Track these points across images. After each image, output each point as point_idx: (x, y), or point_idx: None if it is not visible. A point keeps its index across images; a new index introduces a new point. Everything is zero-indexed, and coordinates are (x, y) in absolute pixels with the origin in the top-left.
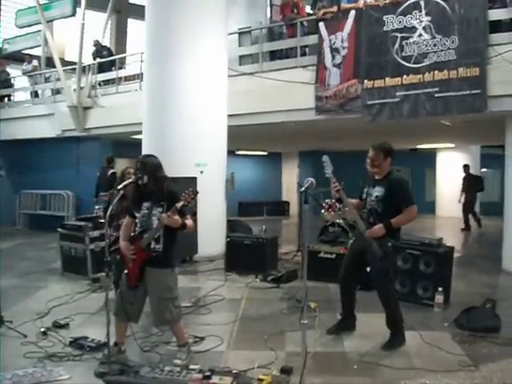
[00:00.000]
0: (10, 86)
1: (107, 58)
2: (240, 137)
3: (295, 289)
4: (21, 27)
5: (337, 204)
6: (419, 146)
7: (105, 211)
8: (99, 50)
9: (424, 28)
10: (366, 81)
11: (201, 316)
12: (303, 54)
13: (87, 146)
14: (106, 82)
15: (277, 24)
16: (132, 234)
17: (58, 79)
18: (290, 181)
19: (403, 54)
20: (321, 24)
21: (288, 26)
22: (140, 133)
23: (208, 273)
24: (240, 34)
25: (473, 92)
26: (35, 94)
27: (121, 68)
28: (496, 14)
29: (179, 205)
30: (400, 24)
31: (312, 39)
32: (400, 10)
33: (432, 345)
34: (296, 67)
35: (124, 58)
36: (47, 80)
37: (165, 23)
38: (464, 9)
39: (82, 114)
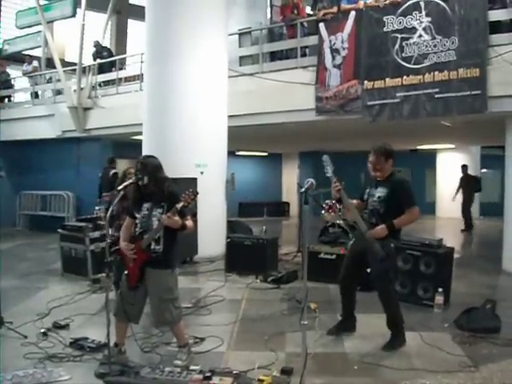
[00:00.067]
0: (11, 86)
1: (107, 59)
2: (240, 137)
3: (295, 289)
4: (21, 28)
5: (337, 205)
6: (419, 147)
7: (106, 212)
8: (99, 50)
9: (424, 29)
10: (366, 81)
11: (201, 317)
12: (303, 55)
13: (87, 147)
14: (107, 83)
15: (277, 25)
16: (132, 235)
17: (59, 80)
18: (290, 181)
19: (403, 54)
20: (321, 25)
21: (288, 26)
22: (140, 133)
23: (208, 273)
24: (240, 34)
25: (473, 93)
26: (35, 95)
27: (121, 69)
28: (496, 15)
29: (179, 206)
30: (400, 25)
31: (312, 40)
32: (400, 10)
33: (432, 345)
34: (296, 68)
35: (124, 58)
36: (49, 81)
37: (165, 24)
38: (464, 9)
39: (83, 115)
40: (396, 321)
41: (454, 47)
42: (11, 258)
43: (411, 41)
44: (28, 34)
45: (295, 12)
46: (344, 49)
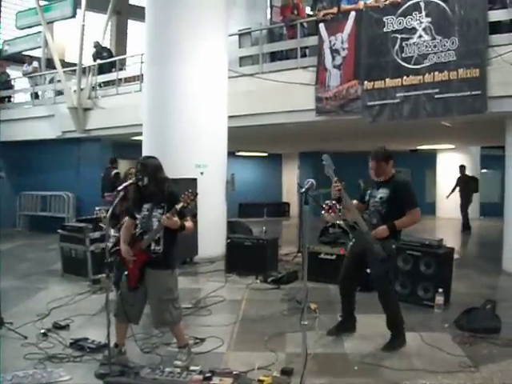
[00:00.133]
0: (11, 87)
1: (107, 60)
2: (240, 138)
3: (295, 290)
4: (21, 28)
5: (337, 205)
6: (419, 147)
7: (107, 212)
8: (99, 51)
9: (424, 29)
10: (366, 82)
11: (201, 317)
12: (303, 55)
13: (87, 148)
14: (106, 84)
15: (277, 25)
16: (132, 236)
17: (59, 81)
18: (291, 182)
19: (403, 55)
20: (321, 25)
21: (288, 27)
22: (140, 134)
23: (208, 274)
24: (240, 35)
25: (473, 93)
26: (35, 96)
27: (121, 69)
28: (496, 15)
29: (179, 206)
30: (400, 25)
31: (312, 40)
32: (400, 11)
33: (432, 346)
34: (296, 68)
35: (124, 59)
36: (51, 81)
37: (165, 24)
38: (464, 10)
39: (83, 116)
40: (396, 321)
41: (453, 47)
42: (11, 259)
43: (411, 41)
44: (28, 35)
45: (295, 12)
46: (344, 49)
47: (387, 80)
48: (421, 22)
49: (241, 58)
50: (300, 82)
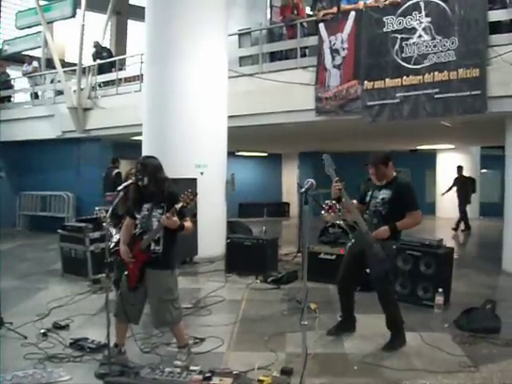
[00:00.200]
0: (11, 87)
1: (107, 60)
2: (240, 138)
3: (295, 290)
4: (21, 28)
5: (337, 205)
6: (419, 147)
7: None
8: (99, 51)
9: (424, 29)
10: (365, 82)
11: (201, 317)
12: (303, 55)
13: (87, 148)
14: (106, 84)
15: (277, 25)
16: (132, 235)
17: (59, 81)
18: (290, 182)
19: (403, 55)
20: (321, 25)
21: (288, 27)
22: (140, 134)
23: (208, 274)
24: (240, 35)
25: (473, 93)
26: (35, 96)
27: (121, 69)
28: (496, 15)
29: (178, 206)
30: (400, 25)
31: (312, 40)
32: (400, 11)
33: (432, 346)
34: (296, 68)
35: (124, 59)
36: (52, 81)
37: (165, 24)
38: (464, 10)
39: (82, 116)
40: (396, 322)
41: (453, 47)
42: (11, 259)
43: (411, 41)
44: (28, 35)
45: (295, 12)
46: (344, 49)
47: (387, 80)
48: (421, 22)
49: (241, 58)
50: (300, 82)
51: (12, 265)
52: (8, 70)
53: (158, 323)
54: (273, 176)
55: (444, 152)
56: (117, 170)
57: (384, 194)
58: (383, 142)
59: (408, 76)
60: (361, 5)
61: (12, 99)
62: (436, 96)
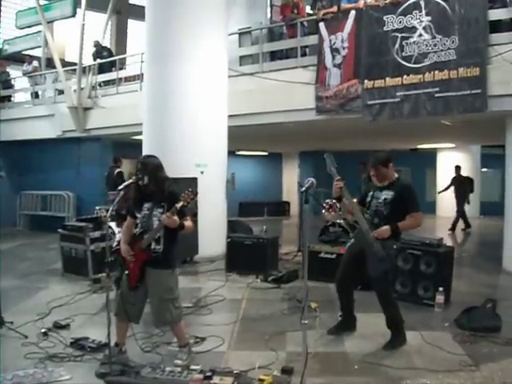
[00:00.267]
0: (11, 86)
1: (107, 59)
2: (240, 137)
3: (296, 289)
4: (21, 28)
5: (337, 204)
6: (419, 146)
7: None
8: (99, 50)
9: (424, 28)
10: (366, 81)
11: (201, 316)
12: (303, 55)
13: (88, 147)
14: (107, 83)
15: (277, 24)
16: (133, 235)
17: (59, 80)
18: (291, 181)
19: (403, 54)
20: (321, 24)
21: (288, 26)
22: (140, 133)
23: (209, 273)
24: (240, 34)
25: (473, 92)
26: (35, 95)
27: (121, 69)
28: (496, 14)
29: (179, 205)
30: (400, 24)
31: (312, 39)
32: (400, 10)
33: (433, 345)
34: (296, 67)
35: (124, 58)
36: (55, 81)
37: (165, 24)
38: (464, 9)
39: (83, 115)
40: (395, 321)
41: (454, 46)
42: (12, 258)
43: (411, 40)
44: (28, 34)
45: (295, 11)
46: (344, 48)
47: (387, 79)
48: (421, 21)
49: (241, 57)
50: (300, 81)
51: (12, 264)
52: (8, 70)
53: (158, 322)
54: (273, 175)
55: (444, 151)
56: (118, 170)
57: (386, 194)
58: (383, 141)
59: (408, 75)
60: (361, 4)
61: (12, 99)
62: (436, 95)
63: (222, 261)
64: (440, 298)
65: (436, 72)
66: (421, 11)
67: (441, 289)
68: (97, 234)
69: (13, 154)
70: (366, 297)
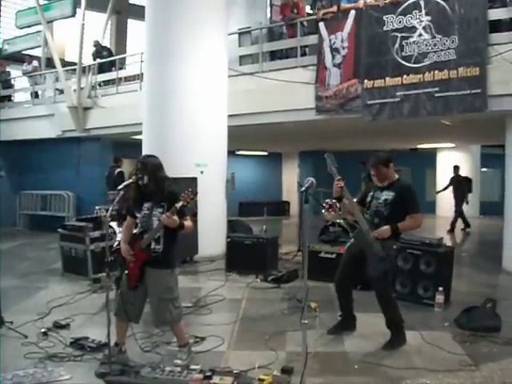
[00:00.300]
0: (11, 86)
1: (107, 59)
2: (240, 137)
3: (296, 289)
4: (21, 28)
5: (337, 204)
6: (419, 146)
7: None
8: (99, 50)
9: (424, 28)
10: (366, 81)
11: (201, 316)
12: (303, 54)
13: (87, 147)
14: (106, 83)
15: (277, 24)
16: (133, 235)
17: (59, 80)
18: (291, 181)
19: (403, 53)
20: (321, 24)
21: (288, 26)
22: (140, 133)
23: (208, 273)
24: (240, 34)
25: (473, 91)
26: (35, 95)
27: (121, 68)
28: (496, 14)
29: (178, 205)
30: (400, 24)
31: (312, 39)
32: (400, 9)
33: (433, 344)
34: (296, 67)
35: (124, 58)
36: (56, 80)
37: (165, 24)
38: (464, 8)
39: (82, 115)
40: (395, 321)
41: (453, 46)
42: (11, 258)
43: (411, 40)
44: (28, 34)
45: (295, 11)
46: (344, 48)
47: (387, 79)
48: (421, 21)
49: (241, 57)
50: (300, 81)
51: (12, 264)
52: (8, 70)
53: (158, 322)
54: (273, 175)
55: (444, 151)
56: (119, 169)
57: (386, 195)
58: (383, 140)
59: (408, 75)
60: (361, 3)
61: (12, 98)
62: (436, 95)
63: (222, 260)
64: (440, 298)
65: (436, 72)
66: (420, 11)
67: (441, 288)
68: (97, 233)
69: (13, 153)
70: (366, 296)
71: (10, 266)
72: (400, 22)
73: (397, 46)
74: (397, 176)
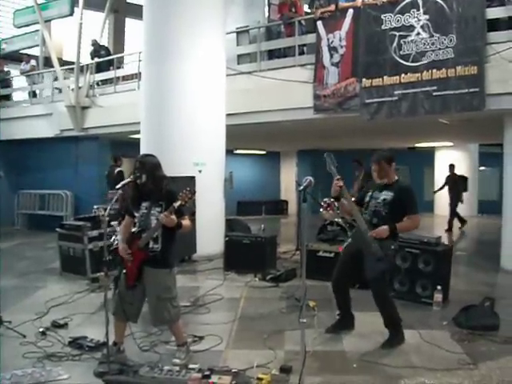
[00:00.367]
0: (9, 85)
1: (105, 58)
2: (238, 136)
3: (294, 288)
4: (19, 27)
5: (335, 203)
6: (417, 145)
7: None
8: (97, 49)
9: (422, 26)
10: (364, 79)
11: (200, 315)
12: (301, 53)
13: (85, 146)
14: (104, 82)
15: (275, 23)
16: (131, 234)
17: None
18: (289, 180)
19: (401, 52)
20: (319, 23)
21: (286, 24)
22: (138, 132)
23: (207, 272)
24: (238, 33)
25: (471, 90)
26: (33, 94)
27: (119, 67)
28: (494, 13)
29: (176, 204)
30: (398, 23)
31: (310, 38)
32: (398, 8)
33: (431, 343)
34: (294, 66)
35: (122, 57)
36: (54, 80)
37: (163, 22)
38: (462, 7)
39: (80, 114)
40: (393, 321)
41: (451, 45)
42: (10, 257)
43: (409, 39)
44: (26, 33)
45: (293, 10)
46: (342, 47)
47: (385, 77)
48: (419, 20)
49: (239, 56)
50: (298, 80)
51: (11, 263)
52: (7, 69)
53: (156, 321)
54: (271, 174)
55: (442, 149)
56: (118, 169)
57: (385, 195)
58: (381, 139)
59: (406, 73)
60: (359, 2)
61: (12, 97)
62: (434, 93)
63: (220, 259)
64: (438, 297)
65: (434, 70)
66: (418, 10)
67: (439, 287)
68: (95, 233)
69: (11, 153)
70: (364, 295)
71: (8, 266)
72: (398, 20)
73: (395, 44)
74: (396, 177)
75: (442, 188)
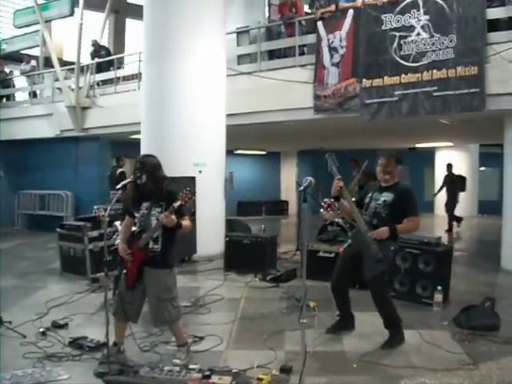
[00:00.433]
0: (10, 85)
1: (105, 58)
2: (239, 136)
3: (294, 288)
4: (19, 27)
5: (335, 203)
6: (418, 145)
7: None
8: (97, 49)
9: (422, 27)
10: (364, 80)
11: (200, 316)
12: (301, 54)
13: (86, 146)
14: (105, 82)
15: (275, 23)
16: (131, 234)
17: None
18: (289, 180)
19: (401, 52)
20: (319, 23)
21: (286, 25)
22: (138, 133)
23: (207, 272)
24: (238, 33)
25: (471, 91)
26: (34, 95)
27: (119, 68)
28: (494, 13)
29: (177, 204)
30: (398, 23)
31: (310, 38)
32: (398, 8)
33: (431, 343)
34: (294, 66)
35: (122, 57)
36: (54, 80)
37: (163, 23)
38: (462, 8)
39: (81, 114)
40: (392, 321)
41: (452, 45)
42: (10, 258)
43: (409, 39)
44: (26, 34)
45: (293, 10)
46: (342, 47)
47: (385, 78)
48: (419, 20)
49: (239, 57)
50: (298, 80)
51: (11, 264)
52: (7, 69)
53: (156, 322)
54: (271, 174)
55: (442, 150)
56: (120, 170)
57: (385, 196)
58: (382, 140)
59: (406, 74)
60: (359, 3)
61: (12, 98)
62: (434, 94)
63: (221, 260)
64: (438, 297)
65: (434, 71)
66: (419, 10)
67: (439, 287)
68: (95, 233)
69: (11, 153)
70: (364, 296)
71: (8, 266)
72: (398, 21)
73: (395, 45)
74: (397, 179)
75: (441, 189)
